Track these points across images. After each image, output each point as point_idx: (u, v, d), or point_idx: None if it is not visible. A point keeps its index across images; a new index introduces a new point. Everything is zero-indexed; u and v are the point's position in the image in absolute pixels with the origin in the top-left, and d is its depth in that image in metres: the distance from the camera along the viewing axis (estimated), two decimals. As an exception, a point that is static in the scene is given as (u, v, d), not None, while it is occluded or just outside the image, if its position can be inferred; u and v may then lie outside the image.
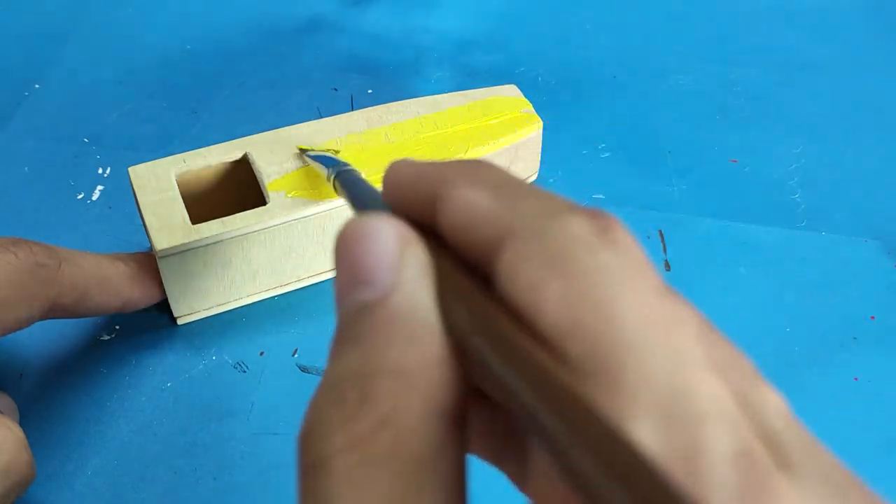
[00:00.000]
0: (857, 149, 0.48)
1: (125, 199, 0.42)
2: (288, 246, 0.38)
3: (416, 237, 0.18)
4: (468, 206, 0.18)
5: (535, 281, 0.16)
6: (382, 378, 0.16)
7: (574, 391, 0.14)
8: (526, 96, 0.43)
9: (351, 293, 0.17)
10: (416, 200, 0.19)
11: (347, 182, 0.25)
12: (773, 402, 0.17)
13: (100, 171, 0.45)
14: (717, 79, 0.52)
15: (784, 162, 0.47)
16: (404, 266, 0.17)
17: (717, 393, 0.15)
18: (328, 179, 0.30)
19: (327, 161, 0.34)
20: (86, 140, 0.47)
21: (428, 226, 0.19)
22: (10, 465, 0.29)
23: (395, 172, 0.20)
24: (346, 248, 0.17)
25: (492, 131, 0.41)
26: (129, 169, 0.38)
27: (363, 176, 0.26)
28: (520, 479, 0.19)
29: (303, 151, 0.38)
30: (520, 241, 0.16)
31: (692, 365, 0.15)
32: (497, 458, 0.20)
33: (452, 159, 0.19)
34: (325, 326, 0.39)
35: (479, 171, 0.18)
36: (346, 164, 0.28)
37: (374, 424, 0.15)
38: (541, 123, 0.42)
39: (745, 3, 0.58)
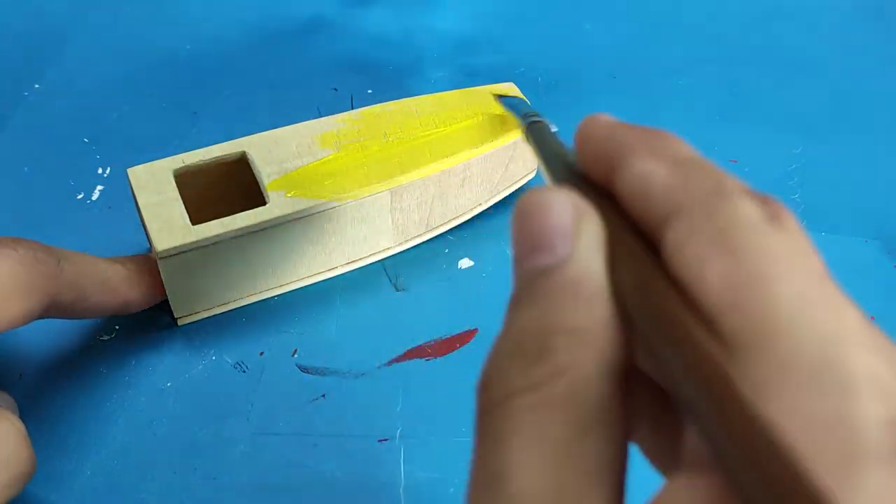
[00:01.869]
0: (857, 149, 0.48)
1: (125, 199, 0.42)
2: (288, 246, 0.38)
3: (592, 209, 0.19)
4: (645, 177, 0.19)
5: (701, 255, 0.17)
6: (560, 334, 0.17)
7: (724, 372, 0.15)
8: (526, 96, 0.43)
9: (530, 258, 0.18)
10: (600, 160, 0.20)
11: (537, 135, 0.26)
12: None
13: (100, 171, 0.45)
14: (717, 79, 0.52)
15: (784, 162, 0.47)
16: (580, 236, 0.18)
17: (872, 366, 0.15)
18: (520, 128, 0.30)
19: (519, 109, 0.34)
20: (86, 140, 0.47)
21: (607, 187, 0.20)
22: (11, 458, 0.29)
23: (589, 128, 0.20)
24: (527, 216, 0.19)
25: (490, 129, 0.41)
26: (129, 170, 0.38)
27: (553, 129, 0.26)
28: (668, 465, 0.20)
29: (498, 97, 0.39)
30: (691, 215, 0.17)
31: (847, 342, 0.15)
32: (651, 441, 0.20)
33: (638, 126, 0.20)
34: (325, 326, 0.39)
35: (661, 141, 0.19)
36: (537, 116, 0.29)
37: (552, 371, 0.17)
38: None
39: (745, 3, 0.58)
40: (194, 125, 0.48)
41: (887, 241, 0.43)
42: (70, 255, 0.34)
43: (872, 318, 0.43)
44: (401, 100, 0.43)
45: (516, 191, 0.44)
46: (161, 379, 0.37)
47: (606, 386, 0.17)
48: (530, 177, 0.44)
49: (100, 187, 0.44)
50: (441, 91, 0.44)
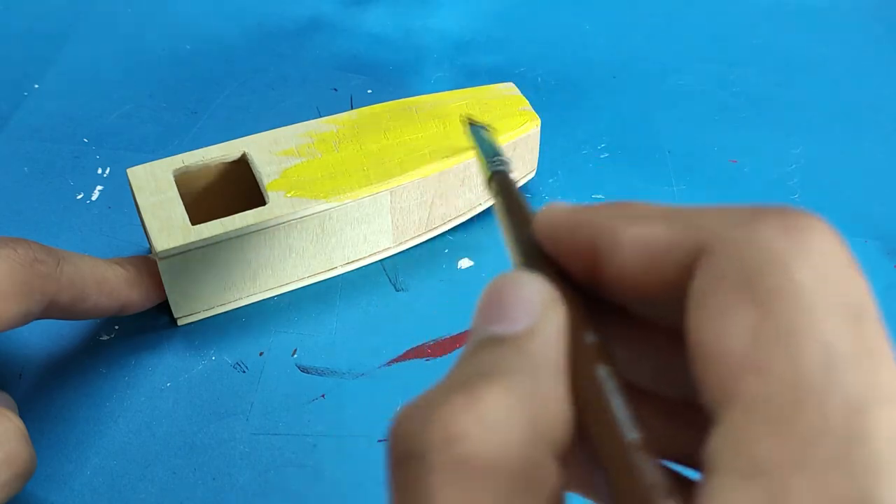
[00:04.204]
0: (857, 149, 0.48)
1: (124, 199, 0.42)
2: (288, 246, 0.38)
3: (560, 298, 0.18)
4: (645, 243, 0.17)
5: (724, 307, 0.15)
6: (493, 389, 0.16)
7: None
8: (526, 96, 0.43)
9: (488, 322, 0.17)
10: (578, 253, 0.19)
11: (502, 189, 0.24)
12: None
13: (99, 171, 0.45)
14: (717, 79, 0.52)
15: (784, 162, 0.47)
16: (544, 319, 0.17)
17: None
18: (485, 173, 0.27)
19: (488, 148, 0.30)
20: (85, 140, 0.47)
21: (580, 278, 0.19)
22: (11, 456, 0.29)
23: (549, 217, 0.19)
24: (495, 288, 0.18)
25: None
26: (128, 170, 0.38)
27: (516, 183, 0.24)
28: None
29: (470, 123, 0.34)
30: (713, 258, 0.16)
31: (876, 406, 0.14)
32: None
33: (599, 203, 0.19)
34: (324, 327, 0.39)
35: (635, 207, 0.18)
36: (503, 162, 0.26)
37: (477, 425, 0.15)
38: (538, 121, 0.42)
39: (745, 3, 0.58)
40: (194, 125, 0.48)
41: (887, 241, 0.43)
42: (69, 256, 0.34)
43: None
44: (401, 100, 0.43)
45: (516, 191, 0.44)
46: (161, 379, 0.37)
47: (542, 459, 0.16)
48: (530, 176, 0.44)
49: (100, 187, 0.44)
50: (441, 91, 0.44)
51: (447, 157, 0.40)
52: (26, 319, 0.32)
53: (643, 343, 0.20)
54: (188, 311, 0.39)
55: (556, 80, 0.52)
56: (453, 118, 0.41)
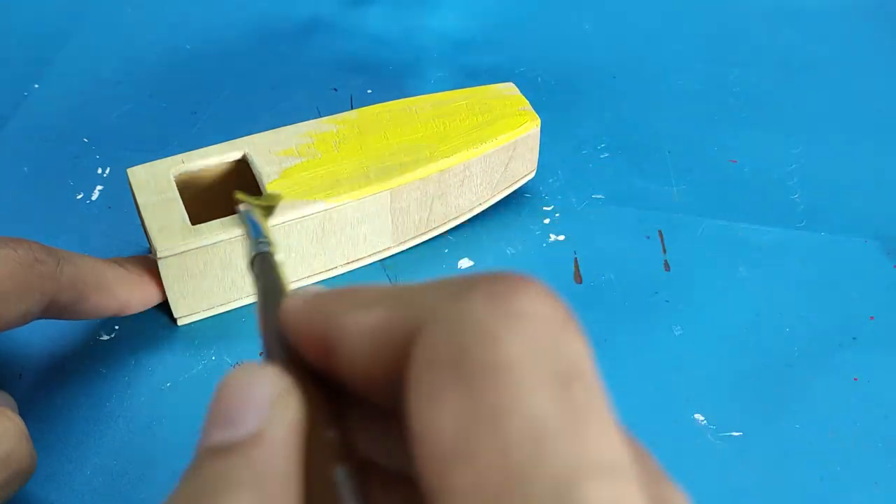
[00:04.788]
0: (856, 149, 0.48)
1: (125, 199, 0.42)
2: (288, 246, 0.38)
3: (293, 389, 0.17)
4: (367, 329, 0.16)
5: (433, 391, 0.15)
6: None
7: None
8: (526, 96, 0.43)
9: (212, 432, 0.16)
10: (315, 342, 0.18)
11: (260, 273, 0.23)
12: (678, 498, 0.16)
13: (99, 171, 0.45)
14: (717, 79, 0.52)
15: (783, 162, 0.47)
16: (273, 418, 0.16)
17: (612, 499, 0.13)
18: (247, 255, 0.26)
19: (255, 230, 0.28)
20: (85, 140, 0.47)
21: (322, 369, 0.18)
22: (11, 455, 0.29)
23: (292, 307, 0.18)
24: (222, 387, 0.17)
25: (489, 129, 0.41)
26: (128, 170, 0.38)
27: (279, 267, 0.24)
28: None
29: (239, 202, 0.31)
30: (425, 338, 0.15)
31: (586, 477, 0.13)
32: None
33: (333, 289, 0.18)
34: (324, 326, 0.39)
35: (362, 292, 0.17)
36: (267, 244, 0.25)
37: None
38: (538, 121, 0.42)
39: (745, 3, 0.58)
40: (194, 125, 0.48)
41: (887, 241, 0.43)
42: (69, 256, 0.34)
43: (872, 317, 0.43)
44: (401, 100, 0.43)
45: (516, 191, 0.44)
46: (161, 379, 0.37)
47: None
48: (530, 176, 0.44)
49: (100, 187, 0.44)
50: (441, 91, 0.44)
51: (447, 157, 0.40)
52: (26, 319, 0.32)
53: (389, 430, 0.19)
54: (188, 311, 0.39)
55: (556, 80, 0.52)
56: (453, 118, 0.41)
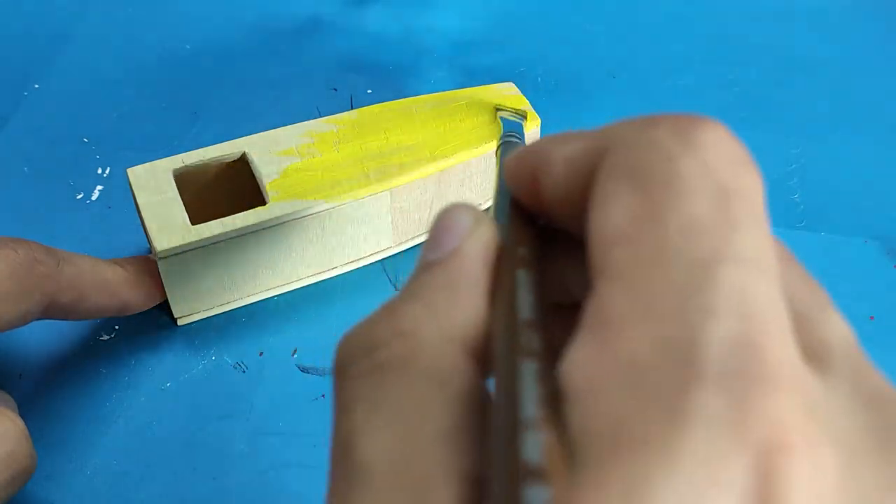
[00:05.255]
0: (856, 149, 0.48)
1: (124, 199, 0.42)
2: (288, 246, 0.38)
3: (489, 220, 0.20)
4: (569, 158, 0.19)
5: (611, 195, 0.17)
6: (411, 303, 0.18)
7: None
8: (526, 96, 0.43)
9: (425, 254, 0.19)
10: (524, 183, 0.20)
11: (501, 156, 0.27)
12: (837, 325, 0.17)
13: (99, 171, 0.45)
14: (717, 79, 0.52)
15: (784, 162, 0.47)
16: (469, 239, 0.19)
17: (740, 283, 0.15)
18: (499, 140, 0.32)
19: (507, 126, 0.36)
20: (85, 140, 0.47)
21: (537, 209, 0.20)
22: (12, 455, 0.29)
23: (510, 158, 0.21)
24: (433, 221, 0.20)
25: (490, 129, 0.41)
26: (128, 170, 0.38)
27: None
28: None
29: (498, 109, 0.41)
30: (608, 158, 0.17)
31: (722, 261, 0.15)
32: None
33: (545, 136, 0.20)
34: (324, 326, 0.39)
35: (566, 133, 0.19)
36: (515, 137, 0.30)
37: (392, 333, 0.17)
38: (538, 121, 0.42)
39: (745, 3, 0.58)
40: (194, 125, 0.48)
41: (887, 241, 0.43)
42: (69, 257, 0.34)
43: (872, 318, 0.43)
44: (401, 100, 0.43)
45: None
46: (161, 379, 0.37)
47: (452, 355, 0.17)
48: (530, 177, 0.44)
49: (100, 187, 0.44)
50: (441, 91, 0.44)
51: (447, 157, 0.40)
52: (26, 319, 0.32)
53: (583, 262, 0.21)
54: (188, 311, 0.39)
55: (556, 80, 0.52)
56: (453, 118, 0.41)
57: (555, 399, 0.15)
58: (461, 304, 0.18)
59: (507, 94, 0.43)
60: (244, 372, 0.37)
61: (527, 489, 0.13)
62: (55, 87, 0.50)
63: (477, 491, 0.15)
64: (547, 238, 0.20)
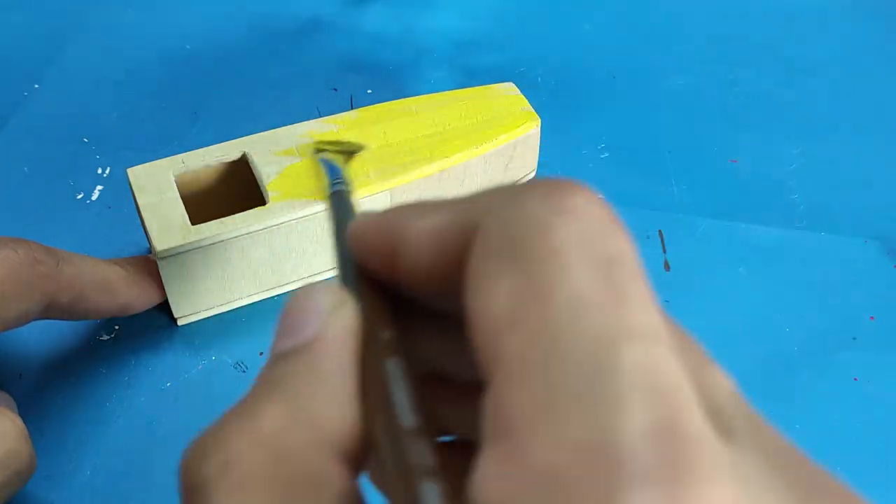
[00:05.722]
0: (856, 149, 0.48)
1: (125, 199, 0.42)
2: (288, 246, 0.38)
3: (351, 299, 0.18)
4: (430, 232, 0.17)
5: (489, 276, 0.16)
6: (270, 403, 0.16)
7: None
8: (526, 96, 0.43)
9: (278, 342, 0.18)
10: (378, 254, 0.19)
11: (334, 212, 0.25)
12: (723, 382, 0.17)
13: (99, 171, 0.45)
14: (717, 79, 0.52)
15: (783, 162, 0.47)
16: (330, 323, 0.18)
17: (645, 362, 0.14)
18: (326, 190, 0.29)
19: (332, 172, 0.31)
20: (85, 140, 0.47)
21: (388, 281, 0.19)
22: (11, 455, 0.29)
23: (359, 226, 0.20)
24: (285, 306, 0.18)
25: (489, 129, 0.41)
26: (128, 170, 0.38)
27: (353, 201, 0.25)
28: None
29: (318, 150, 0.35)
30: (480, 235, 0.16)
31: (621, 340, 0.14)
32: None
33: (399, 205, 0.19)
34: (324, 326, 0.39)
35: (428, 203, 0.18)
36: (343, 184, 0.28)
37: (251, 443, 0.15)
38: (538, 121, 0.42)
39: (745, 3, 0.58)
40: (194, 125, 0.48)
41: (887, 241, 0.43)
42: (69, 257, 0.34)
43: (872, 318, 0.43)
44: (401, 100, 0.43)
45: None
46: (161, 379, 0.37)
47: (322, 460, 0.16)
48: (531, 176, 0.44)
49: (100, 187, 0.44)
50: (441, 91, 0.44)
51: (447, 157, 0.40)
52: (26, 319, 0.32)
53: (451, 337, 0.20)
54: (188, 311, 0.39)
55: (556, 80, 0.52)
56: (453, 118, 0.41)
57: None
58: (328, 402, 0.16)
59: (507, 94, 0.43)
60: (244, 372, 0.37)
61: None
62: (55, 87, 0.50)
63: None
64: (401, 307, 0.19)
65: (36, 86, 0.50)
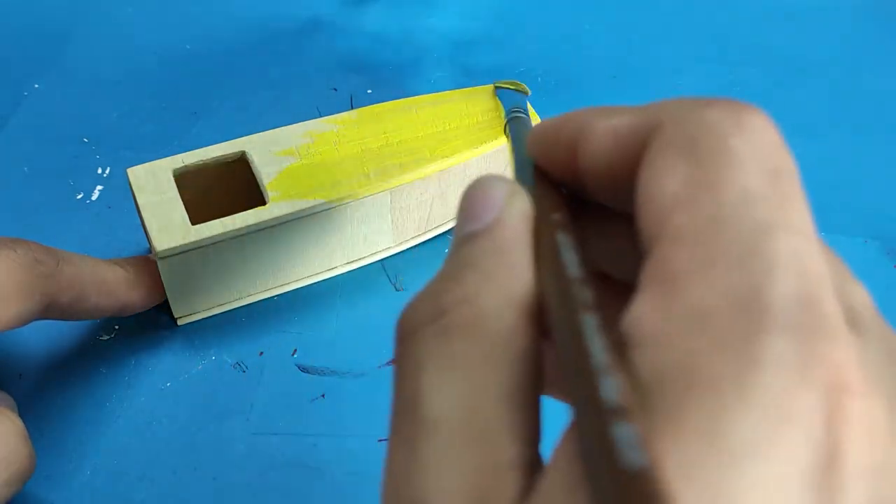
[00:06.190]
0: (856, 149, 0.48)
1: (125, 199, 0.42)
2: (288, 246, 0.38)
3: (523, 191, 0.20)
4: (613, 130, 0.19)
5: (665, 165, 0.18)
6: (470, 271, 0.19)
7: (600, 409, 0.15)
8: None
9: (462, 227, 0.20)
10: (558, 152, 0.21)
11: (513, 130, 0.27)
12: (860, 291, 0.18)
13: (99, 171, 0.45)
14: (717, 79, 0.52)
15: (784, 162, 0.47)
16: (508, 210, 0.20)
17: (796, 249, 0.16)
18: (504, 117, 0.33)
19: (509, 102, 0.36)
20: (85, 140, 0.47)
21: (566, 179, 0.21)
22: (11, 456, 0.29)
23: (539, 128, 0.22)
24: (465, 195, 0.20)
25: (489, 129, 0.41)
26: (128, 170, 0.38)
27: (529, 123, 0.28)
28: None
29: (496, 87, 0.42)
30: (663, 131, 0.18)
31: (779, 228, 0.16)
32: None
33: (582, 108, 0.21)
34: (324, 326, 0.39)
35: (611, 107, 0.20)
36: (521, 112, 0.31)
37: (457, 300, 0.18)
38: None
39: (745, 3, 0.58)
40: (194, 125, 0.48)
41: (887, 241, 0.43)
42: (69, 257, 0.34)
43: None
44: (401, 100, 0.43)
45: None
46: (161, 379, 0.37)
47: (513, 318, 0.18)
48: (530, 177, 0.44)
49: (99, 187, 0.44)
50: (441, 91, 0.44)
51: (447, 157, 0.40)
52: (26, 320, 0.32)
53: (616, 238, 0.22)
54: (188, 311, 0.39)
55: (556, 80, 0.52)
56: (453, 118, 0.41)
57: (615, 350, 0.16)
58: (513, 270, 0.19)
59: (507, 94, 0.43)
60: (244, 372, 0.37)
61: (615, 427, 0.14)
62: (55, 87, 0.50)
63: (533, 448, 0.17)
64: (574, 207, 0.21)
65: (36, 86, 0.50)
